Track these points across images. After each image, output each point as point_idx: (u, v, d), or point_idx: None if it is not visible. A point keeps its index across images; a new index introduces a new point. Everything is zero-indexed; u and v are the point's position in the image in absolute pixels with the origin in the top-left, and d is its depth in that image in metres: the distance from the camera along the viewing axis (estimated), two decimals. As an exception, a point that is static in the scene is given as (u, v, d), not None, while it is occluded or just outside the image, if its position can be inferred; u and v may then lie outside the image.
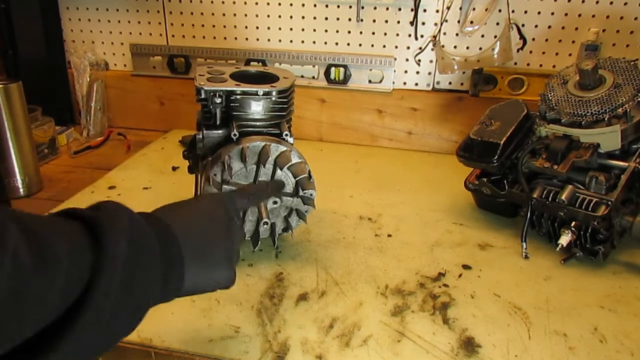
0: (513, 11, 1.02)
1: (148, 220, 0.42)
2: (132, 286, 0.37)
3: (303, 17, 1.13)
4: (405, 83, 1.15)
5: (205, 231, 0.48)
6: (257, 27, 1.16)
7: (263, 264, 0.69)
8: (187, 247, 0.44)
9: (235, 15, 1.15)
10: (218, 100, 0.66)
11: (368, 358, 0.53)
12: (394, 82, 1.14)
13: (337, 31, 1.13)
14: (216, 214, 0.50)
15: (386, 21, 1.10)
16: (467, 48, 1.09)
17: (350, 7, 1.10)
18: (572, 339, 0.57)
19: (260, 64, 1.16)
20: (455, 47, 1.09)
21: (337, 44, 1.14)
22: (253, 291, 0.64)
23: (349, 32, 1.13)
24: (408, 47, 1.12)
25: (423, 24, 1.08)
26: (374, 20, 1.10)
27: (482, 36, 1.07)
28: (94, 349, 0.37)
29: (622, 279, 0.69)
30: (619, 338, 0.57)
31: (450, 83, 1.13)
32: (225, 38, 1.18)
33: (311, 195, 0.67)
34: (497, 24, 1.05)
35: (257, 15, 1.15)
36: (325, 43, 1.15)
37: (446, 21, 1.07)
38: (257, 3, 1.13)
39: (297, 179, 0.65)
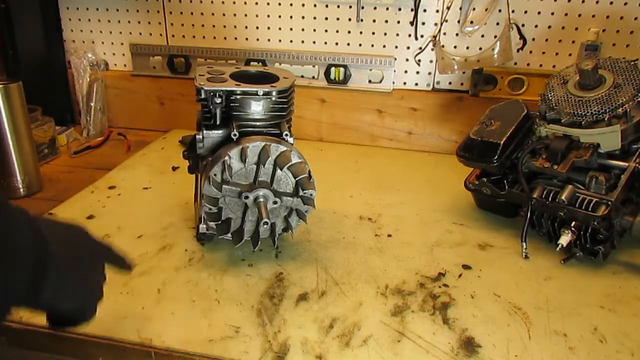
0: (513, 11, 1.02)
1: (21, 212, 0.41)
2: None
3: (303, 17, 1.13)
4: (405, 83, 1.15)
5: (75, 250, 0.47)
6: (257, 27, 1.16)
7: (263, 264, 0.69)
8: (54, 253, 0.42)
9: (235, 15, 1.15)
10: (218, 100, 0.66)
11: (368, 358, 0.53)
12: (394, 82, 1.14)
13: (337, 31, 1.13)
14: (86, 246, 0.49)
15: (386, 21, 1.10)
16: (467, 48, 1.09)
17: (350, 7, 1.10)
18: (572, 339, 0.57)
19: (260, 64, 1.16)
20: (455, 47, 1.09)
21: (337, 44, 1.14)
22: (253, 291, 0.64)
23: (349, 32, 1.13)
24: (408, 47, 1.12)
25: (423, 24, 1.08)
26: (374, 20, 1.10)
27: (482, 36, 1.07)
28: None
29: (622, 279, 0.69)
30: (619, 338, 0.57)
31: (450, 83, 1.13)
32: (225, 38, 1.18)
33: (311, 195, 0.67)
34: (497, 24, 1.05)
35: (257, 15, 1.15)
36: (325, 43, 1.15)
37: (446, 21, 1.07)
38: (257, 3, 1.13)
39: (297, 179, 0.65)
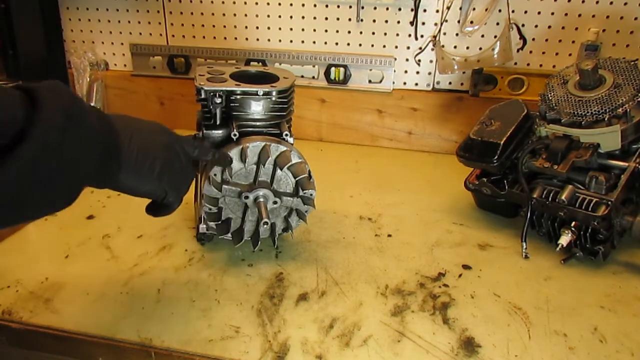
0: (513, 11, 1.02)
1: (93, 108, 0.43)
2: (64, 154, 0.38)
3: (303, 17, 1.13)
4: (405, 83, 1.15)
5: (148, 140, 0.49)
6: (257, 27, 1.16)
7: (263, 264, 0.69)
8: (126, 142, 0.46)
9: (235, 15, 1.15)
10: (218, 100, 0.66)
11: (368, 358, 0.53)
12: (394, 82, 1.14)
13: (337, 31, 1.13)
14: (161, 136, 0.52)
15: (386, 21, 1.10)
16: (467, 48, 1.09)
17: (350, 7, 1.10)
18: (572, 339, 0.57)
19: (260, 64, 1.16)
20: (455, 47, 1.09)
21: (337, 44, 1.14)
22: (253, 291, 0.64)
23: (349, 32, 1.13)
24: (408, 47, 1.12)
25: (423, 24, 1.08)
26: (374, 20, 1.11)
27: (482, 36, 1.07)
28: (16, 207, 0.37)
29: (622, 279, 0.69)
30: (619, 338, 0.57)
31: (450, 83, 1.13)
32: (225, 38, 1.18)
33: (311, 195, 0.67)
34: (497, 24, 1.05)
35: (257, 15, 1.15)
36: (325, 43, 1.15)
37: (446, 21, 1.07)
38: (257, 3, 1.13)
39: (297, 178, 0.65)
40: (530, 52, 1.06)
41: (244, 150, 0.63)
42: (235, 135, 0.65)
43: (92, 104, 1.20)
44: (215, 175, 0.64)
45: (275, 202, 0.65)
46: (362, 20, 1.11)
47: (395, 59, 1.12)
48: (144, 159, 0.48)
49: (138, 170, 0.48)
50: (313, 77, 1.17)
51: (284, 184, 0.66)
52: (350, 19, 1.11)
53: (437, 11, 1.07)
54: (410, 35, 1.10)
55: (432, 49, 1.09)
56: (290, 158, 0.65)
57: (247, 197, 0.64)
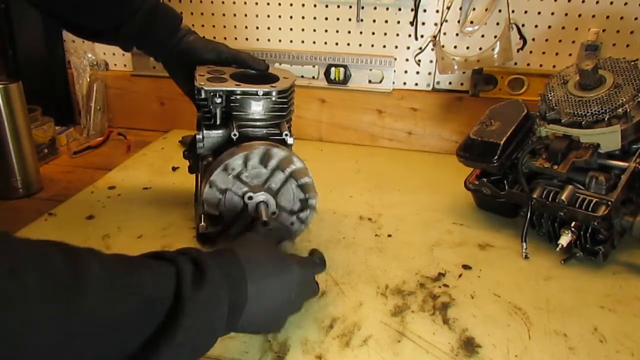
0: (513, 11, 1.02)
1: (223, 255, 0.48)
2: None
3: (303, 17, 1.13)
4: (405, 83, 1.15)
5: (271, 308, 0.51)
6: (257, 27, 1.16)
7: (263, 264, 0.69)
8: (251, 285, 0.47)
9: (235, 15, 1.15)
10: (218, 100, 0.66)
11: (368, 358, 0.53)
12: (394, 82, 1.14)
13: (337, 31, 1.13)
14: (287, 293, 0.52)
15: (386, 21, 1.10)
16: (467, 48, 1.09)
17: (350, 7, 1.10)
18: (572, 339, 0.57)
19: (260, 64, 1.16)
20: (455, 47, 1.09)
21: (337, 44, 1.14)
22: (253, 291, 0.64)
23: (349, 32, 1.13)
24: (408, 47, 1.12)
25: (423, 24, 1.08)
26: (374, 20, 1.11)
27: (482, 36, 1.07)
28: None
29: (622, 279, 0.69)
30: (619, 338, 0.57)
31: (450, 83, 1.13)
32: (225, 38, 1.18)
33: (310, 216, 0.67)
34: (497, 24, 1.05)
35: (257, 16, 1.15)
36: (325, 43, 1.15)
37: (446, 21, 1.07)
38: (257, 3, 1.13)
39: (303, 197, 0.66)
40: (530, 52, 1.06)
41: (267, 154, 0.63)
42: (235, 135, 0.65)
43: (92, 104, 1.20)
44: (233, 169, 0.63)
45: (273, 213, 0.65)
46: (362, 20, 1.11)
47: (395, 59, 1.12)
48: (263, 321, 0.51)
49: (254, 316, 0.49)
50: (313, 77, 1.17)
51: (285, 199, 0.66)
52: (350, 19, 1.11)
53: (437, 11, 1.07)
54: (410, 35, 1.10)
55: (432, 49, 1.09)
56: (306, 173, 0.65)
57: (250, 198, 0.64)
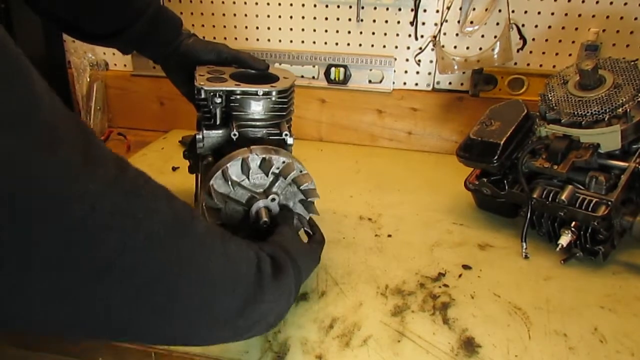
0: (513, 11, 1.02)
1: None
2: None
3: (303, 17, 1.13)
4: (405, 83, 1.15)
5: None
6: (257, 27, 1.16)
7: (263, 264, 0.69)
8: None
9: (235, 15, 1.15)
10: (218, 100, 0.66)
11: (368, 358, 0.53)
12: (394, 82, 1.14)
13: (337, 31, 1.13)
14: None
15: (386, 21, 1.10)
16: (467, 48, 1.09)
17: (350, 7, 1.10)
18: (572, 339, 0.57)
19: (260, 64, 1.16)
20: (455, 47, 1.09)
21: (337, 44, 1.14)
22: (253, 291, 0.64)
23: (349, 32, 1.13)
24: (408, 47, 1.12)
25: (423, 24, 1.08)
26: (374, 20, 1.11)
27: (482, 36, 1.07)
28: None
29: (622, 279, 0.69)
30: (619, 338, 0.57)
31: (450, 83, 1.13)
32: (225, 38, 1.18)
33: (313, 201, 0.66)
34: (497, 24, 1.05)
35: (257, 16, 1.15)
36: (325, 43, 1.15)
37: (446, 21, 1.07)
38: (257, 3, 1.13)
39: (301, 187, 0.64)
40: (530, 52, 1.06)
41: (268, 161, 0.62)
42: (235, 135, 0.65)
43: (92, 104, 1.20)
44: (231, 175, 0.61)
45: (273, 199, 0.63)
46: (362, 20, 1.11)
47: (395, 59, 1.12)
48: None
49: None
50: (313, 77, 1.17)
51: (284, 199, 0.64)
52: (350, 19, 1.11)
53: (437, 11, 1.07)
54: (410, 36, 1.10)
55: (432, 49, 1.09)
56: (308, 179, 0.64)
57: (255, 201, 0.62)
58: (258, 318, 0.45)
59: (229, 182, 0.61)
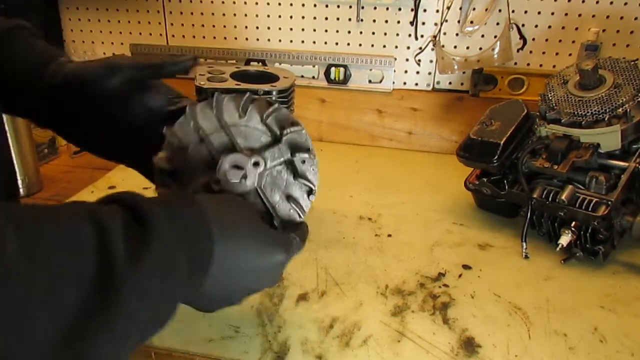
0: (513, 11, 1.02)
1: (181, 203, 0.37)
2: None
3: (303, 17, 1.13)
4: (405, 83, 1.15)
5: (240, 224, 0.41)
6: (257, 27, 1.16)
7: (263, 264, 0.69)
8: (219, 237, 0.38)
9: (235, 15, 1.15)
10: (218, 100, 0.66)
11: (368, 358, 0.53)
12: (394, 82, 1.14)
13: (337, 31, 1.13)
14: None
15: (386, 21, 1.10)
16: (467, 48, 1.09)
17: (350, 7, 1.10)
18: (572, 339, 0.57)
19: (260, 63, 1.16)
20: (455, 47, 1.09)
21: (337, 44, 1.14)
22: (253, 291, 0.64)
23: (349, 32, 1.13)
24: (408, 47, 1.12)
25: (423, 24, 1.08)
26: (374, 20, 1.11)
27: (482, 36, 1.07)
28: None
29: (622, 279, 0.69)
30: (619, 338, 0.57)
31: (450, 83, 1.13)
32: (225, 38, 1.18)
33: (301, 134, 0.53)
34: (497, 24, 1.05)
35: (257, 15, 1.15)
36: (325, 43, 1.15)
37: (446, 21, 1.07)
38: (257, 3, 1.13)
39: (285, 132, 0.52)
40: (530, 52, 1.06)
41: (280, 114, 0.51)
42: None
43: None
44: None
45: (256, 164, 0.49)
46: (362, 20, 1.11)
47: (395, 59, 1.12)
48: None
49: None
50: (313, 77, 1.17)
51: (252, 139, 0.52)
52: (350, 19, 1.11)
53: (437, 11, 1.07)
54: (410, 35, 1.10)
55: (432, 49, 1.09)
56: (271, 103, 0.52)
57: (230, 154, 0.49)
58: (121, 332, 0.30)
59: (215, 116, 0.51)
